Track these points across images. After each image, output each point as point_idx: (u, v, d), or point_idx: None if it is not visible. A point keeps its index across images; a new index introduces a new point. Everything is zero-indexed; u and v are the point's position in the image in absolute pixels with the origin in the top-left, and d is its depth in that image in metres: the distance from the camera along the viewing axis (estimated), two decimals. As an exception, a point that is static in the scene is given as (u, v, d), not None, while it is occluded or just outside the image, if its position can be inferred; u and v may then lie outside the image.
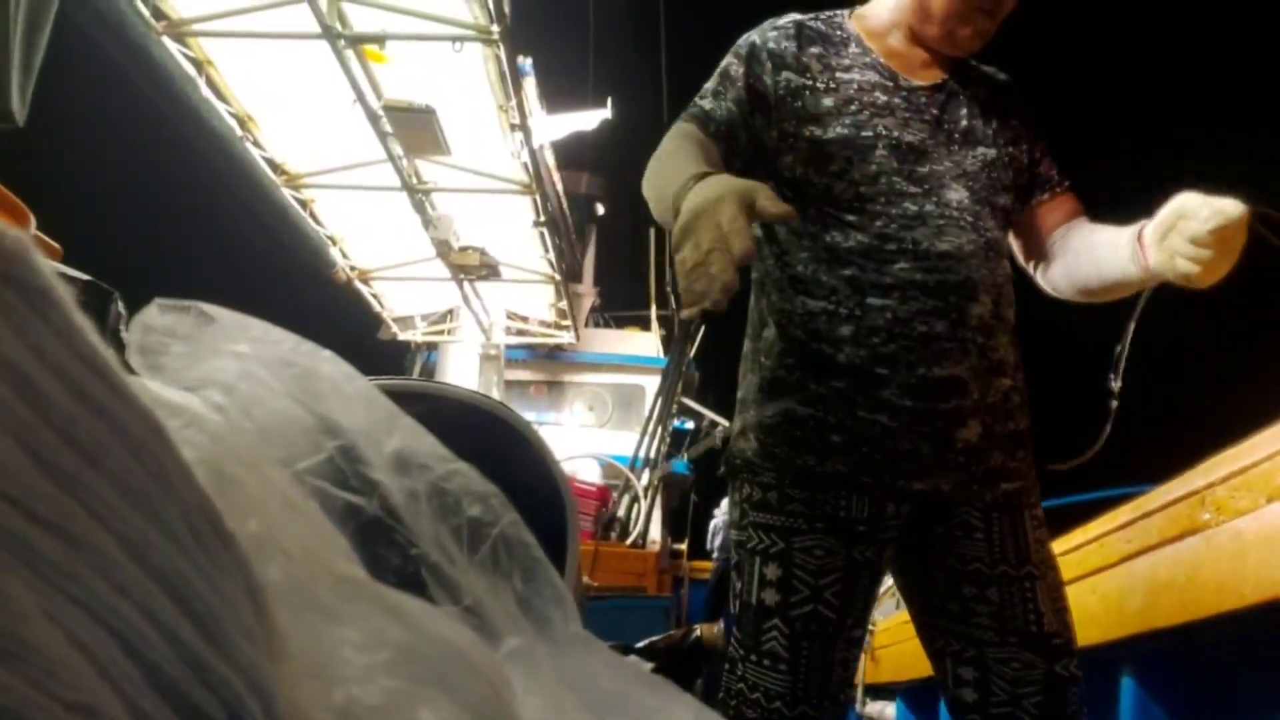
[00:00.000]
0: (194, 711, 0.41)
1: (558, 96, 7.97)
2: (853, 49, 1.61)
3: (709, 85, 1.61)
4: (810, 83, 1.57)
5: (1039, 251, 1.67)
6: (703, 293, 1.20)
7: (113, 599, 0.39)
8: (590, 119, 8.84)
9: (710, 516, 11.27)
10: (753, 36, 1.62)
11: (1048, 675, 1.49)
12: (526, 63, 6.04)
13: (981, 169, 1.57)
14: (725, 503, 11.21)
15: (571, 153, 9.96)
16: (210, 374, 0.76)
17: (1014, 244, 1.69)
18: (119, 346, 0.71)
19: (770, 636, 1.52)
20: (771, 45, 1.59)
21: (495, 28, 5.11)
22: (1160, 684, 1.79)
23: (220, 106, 5.83)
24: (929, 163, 1.55)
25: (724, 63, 1.62)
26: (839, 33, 1.63)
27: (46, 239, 1.91)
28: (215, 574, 0.45)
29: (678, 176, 1.34)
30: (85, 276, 2.03)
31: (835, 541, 1.52)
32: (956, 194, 1.54)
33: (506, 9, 5.04)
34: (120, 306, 2.13)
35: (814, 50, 1.60)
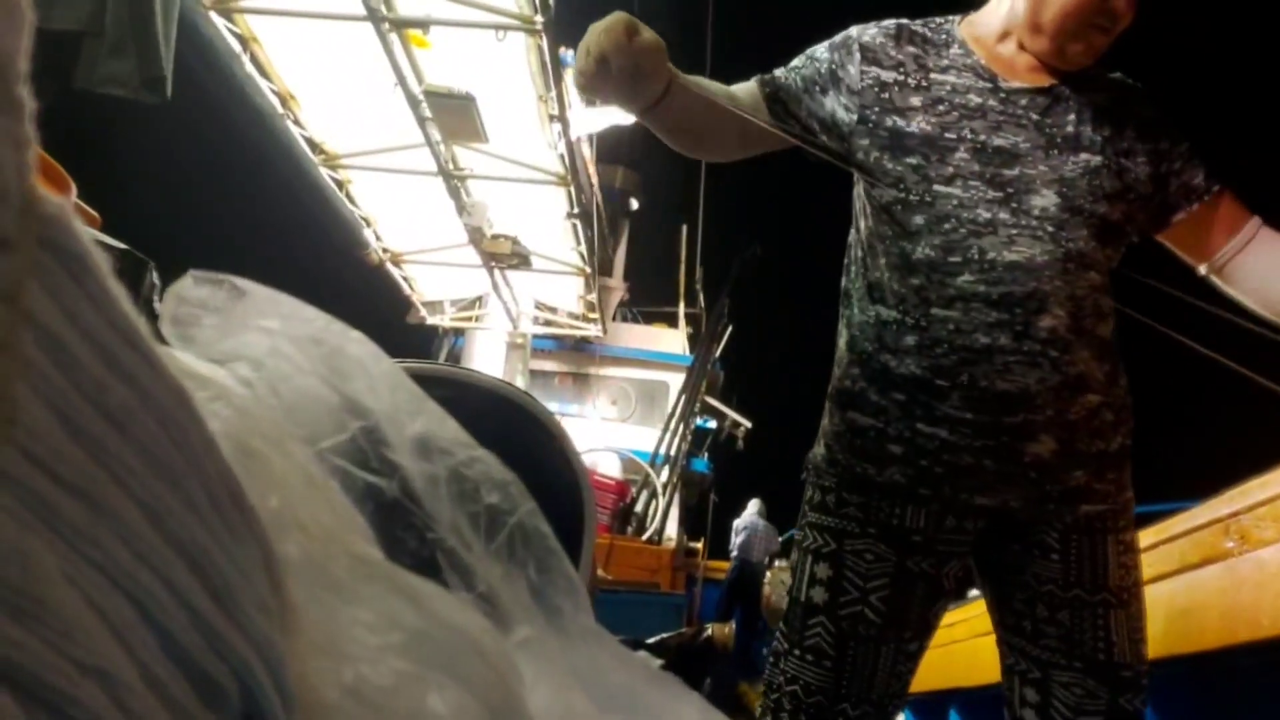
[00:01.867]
0: (205, 679, 0.42)
1: (597, 89, 7.96)
2: (954, 50, 1.58)
3: (796, 60, 1.65)
4: (901, 79, 1.55)
5: (1213, 262, 1.58)
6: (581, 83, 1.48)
7: (132, 565, 0.39)
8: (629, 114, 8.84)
9: (733, 516, 11.26)
10: (853, 29, 1.62)
11: (1110, 707, 1.45)
12: (568, 54, 6.04)
13: (1081, 175, 1.50)
14: (752, 505, 11.22)
15: (608, 147, 9.99)
16: (240, 348, 0.77)
17: (1182, 254, 1.62)
18: (152, 316, 0.72)
19: (815, 633, 1.53)
20: (867, 39, 1.59)
21: (539, 18, 5.11)
22: (1177, 710, 1.77)
23: (263, 83, 5.87)
24: (1019, 166, 1.50)
25: (817, 47, 1.64)
26: (943, 36, 1.61)
27: (86, 207, 1.94)
28: (233, 546, 0.45)
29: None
30: (122, 245, 2.05)
31: (887, 549, 1.51)
32: (1043, 200, 1.49)
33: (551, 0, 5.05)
34: (155, 276, 2.15)
35: (911, 50, 1.58)
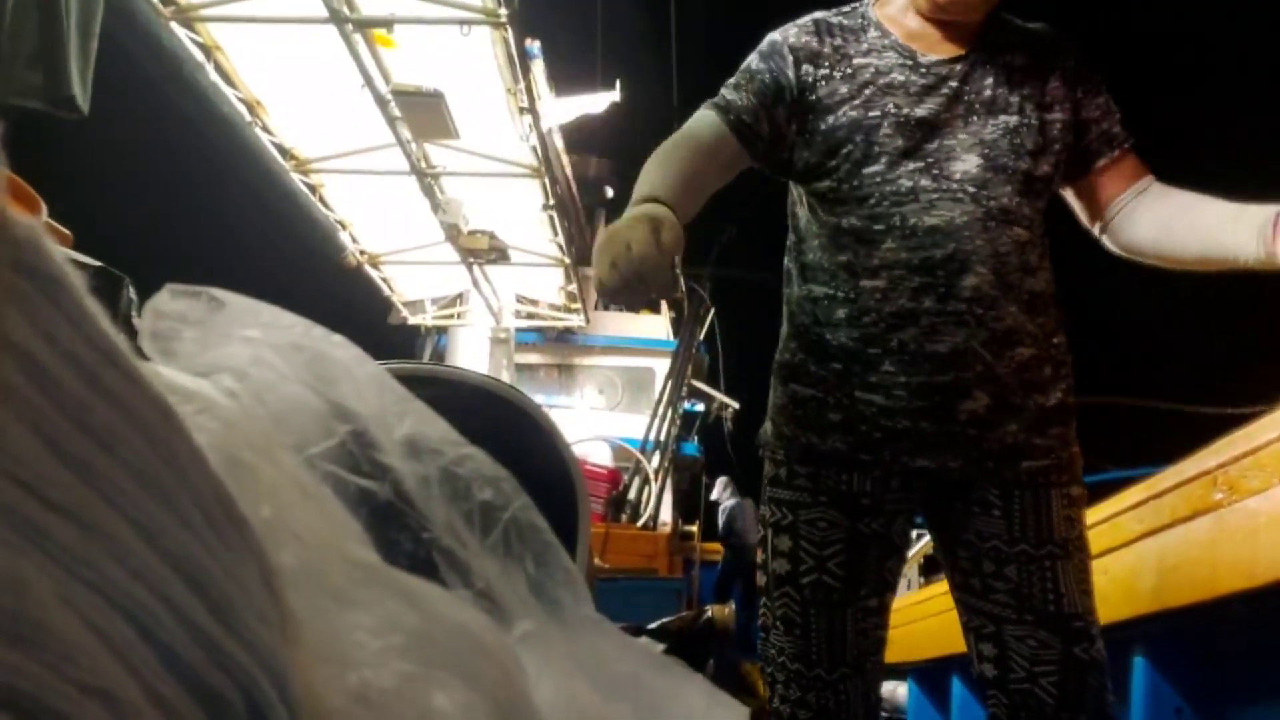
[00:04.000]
0: (209, 694, 0.42)
1: (566, 80, 7.95)
2: (871, 34, 1.62)
3: (732, 79, 1.64)
4: (828, 72, 1.59)
5: (1104, 213, 1.63)
6: (612, 287, 1.32)
7: (128, 584, 0.39)
8: (599, 102, 8.82)
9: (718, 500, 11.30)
10: (774, 35, 1.65)
11: (1065, 656, 1.49)
12: (535, 46, 6.02)
13: (1002, 135, 1.54)
14: (720, 483, 11.26)
15: (580, 136, 9.95)
16: (222, 360, 0.76)
17: (1075, 205, 1.67)
18: (131, 332, 0.71)
19: (782, 603, 1.59)
20: (793, 40, 1.62)
21: (503, 11, 5.08)
22: (1172, 663, 1.79)
23: (229, 92, 5.82)
24: (939, 137, 1.54)
25: (747, 60, 1.65)
26: (859, 21, 1.64)
27: (57, 226, 1.92)
28: (229, 559, 0.45)
29: (641, 187, 1.46)
30: (96, 263, 2.04)
31: (838, 514, 1.56)
32: (964, 165, 1.53)
33: (514, -8, 5.03)
34: (131, 292, 2.14)
35: (834, 42, 1.61)
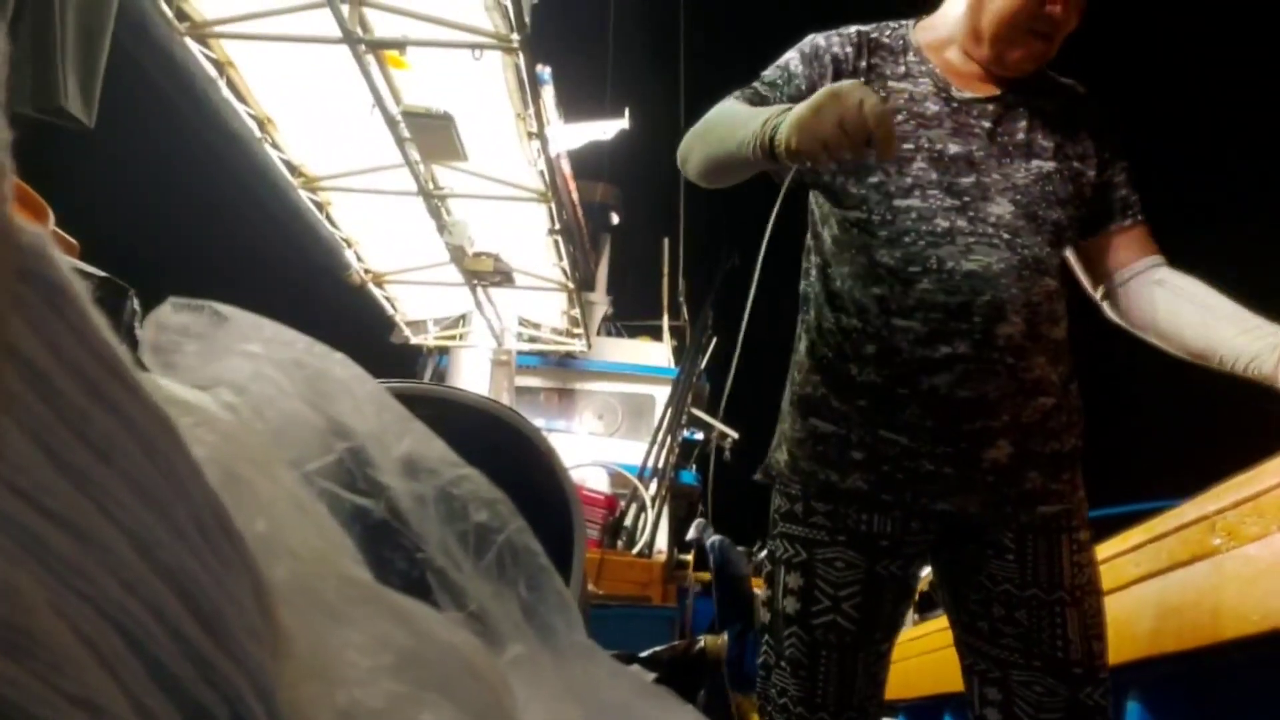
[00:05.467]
0: (197, 708, 0.41)
1: (575, 106, 7.99)
2: (910, 58, 1.60)
3: (768, 74, 1.61)
4: None
5: (1109, 281, 1.61)
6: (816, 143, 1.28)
7: (120, 595, 0.39)
8: (607, 129, 8.86)
9: (722, 528, 11.25)
10: (817, 39, 1.62)
11: (1070, 703, 1.47)
12: (545, 71, 6.06)
13: (1034, 182, 1.53)
14: (698, 525, 11.23)
15: (588, 162, 10.00)
16: (223, 373, 0.77)
17: (1077, 266, 1.65)
18: (133, 344, 0.72)
19: (791, 644, 1.55)
20: (835, 50, 1.59)
21: (515, 36, 5.12)
22: (1166, 708, 1.77)
23: (240, 108, 5.85)
24: (975, 174, 1.52)
25: (785, 57, 1.62)
26: (899, 42, 1.62)
27: (64, 235, 1.93)
28: (222, 573, 0.45)
29: (752, 117, 1.40)
30: (101, 273, 2.04)
31: (857, 555, 1.53)
32: (999, 208, 1.50)
33: (527, 18, 5.06)
34: (135, 304, 2.14)
35: (872, 60, 1.59)
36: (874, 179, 1.53)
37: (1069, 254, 1.65)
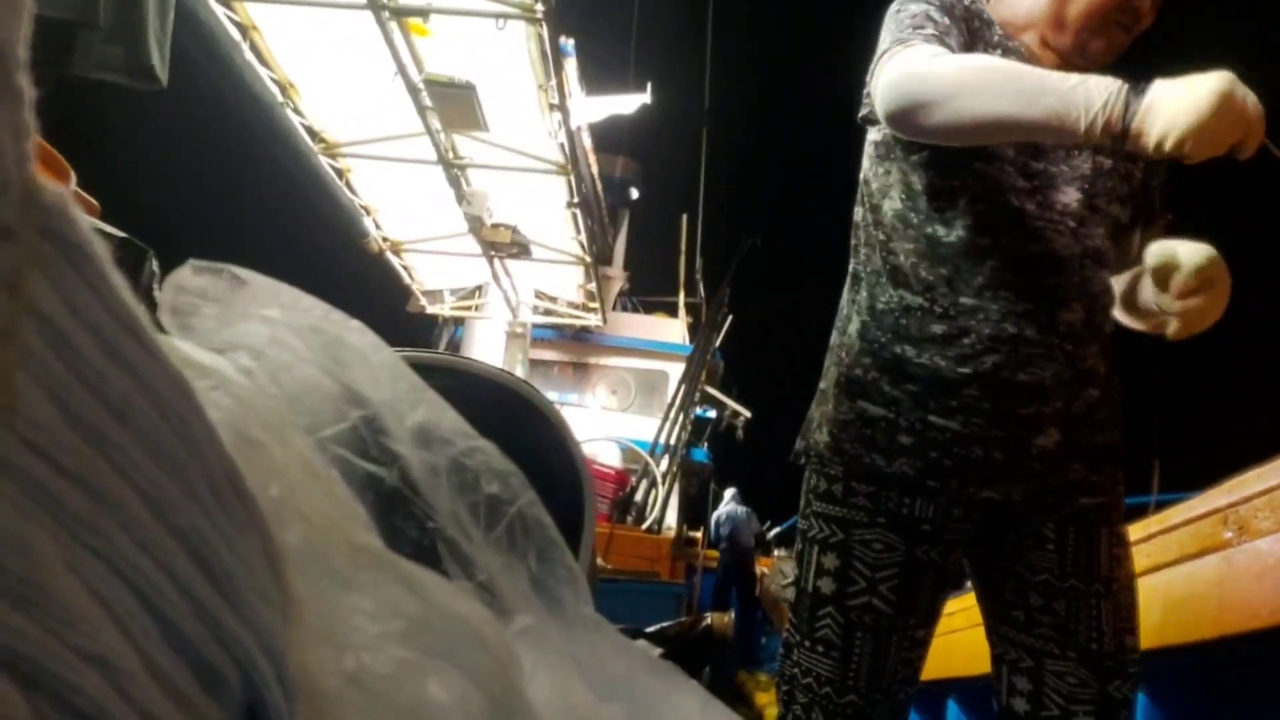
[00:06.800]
0: (207, 668, 0.42)
1: (598, 79, 7.95)
2: (997, 31, 1.58)
3: (919, 27, 1.47)
4: (969, 45, 1.53)
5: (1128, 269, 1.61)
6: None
7: (133, 554, 0.39)
8: (629, 103, 8.82)
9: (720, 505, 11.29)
10: None
11: (1101, 696, 1.47)
12: (569, 44, 6.03)
13: (1099, 176, 1.53)
14: (729, 494, 11.25)
15: (608, 136, 9.97)
16: (240, 337, 0.77)
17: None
18: (151, 305, 0.72)
19: (824, 624, 1.54)
20: (957, 7, 1.54)
21: (540, 6, 5.09)
22: (1173, 700, 1.77)
23: (263, 72, 5.85)
24: (1045, 161, 1.51)
25: (915, 9, 1.50)
26: (985, 15, 1.60)
27: (85, 195, 1.93)
28: (234, 535, 0.46)
29: (1070, 81, 1.28)
30: (122, 234, 2.05)
31: (896, 538, 1.52)
32: (1065, 197, 1.50)
33: (551, -12, 5.04)
34: (155, 265, 2.15)
35: (973, 25, 1.56)
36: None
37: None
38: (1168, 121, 1.21)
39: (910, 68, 1.40)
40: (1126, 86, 1.25)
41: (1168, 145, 1.21)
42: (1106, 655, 1.48)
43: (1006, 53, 1.55)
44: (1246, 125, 1.22)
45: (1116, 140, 1.25)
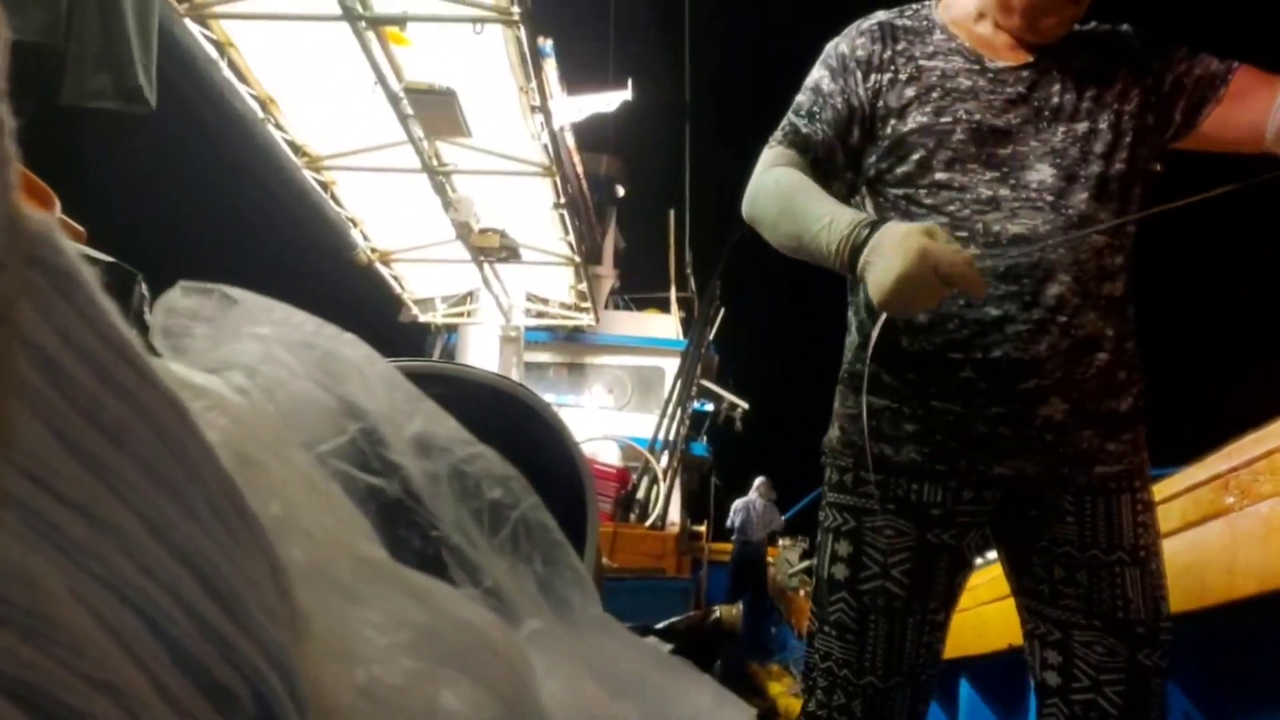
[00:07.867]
0: (218, 689, 0.42)
1: (578, 78, 7.95)
2: (937, 36, 1.60)
3: (803, 101, 1.62)
4: (893, 75, 1.57)
5: (1263, 129, 1.49)
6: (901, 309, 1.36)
7: (138, 579, 0.39)
8: (610, 100, 8.81)
9: (735, 498, 11.30)
10: (841, 46, 1.62)
11: (1130, 664, 1.47)
12: (547, 44, 6.02)
13: (1072, 144, 1.53)
14: (757, 483, 11.27)
15: (592, 135, 9.96)
16: (233, 356, 0.77)
17: (1228, 145, 1.57)
18: (142, 328, 0.72)
19: (837, 608, 1.58)
20: (860, 53, 1.60)
21: (516, 9, 5.09)
22: (1180, 667, 1.78)
23: (242, 89, 5.84)
24: (1012, 144, 1.53)
25: (814, 76, 1.62)
26: (923, 23, 1.62)
27: (70, 221, 1.93)
28: (238, 554, 0.45)
29: (826, 218, 1.43)
30: (109, 259, 2.04)
31: (906, 524, 1.55)
32: (1038, 174, 1.51)
33: (527, -10, 5.04)
34: (144, 289, 2.14)
35: (899, 46, 1.60)
36: (915, 156, 1.54)
37: (1219, 146, 1.58)
38: (874, 285, 1.34)
39: (755, 181, 1.59)
40: (855, 232, 1.39)
41: (876, 309, 1.37)
42: (1135, 623, 1.48)
43: (948, 56, 1.57)
44: (937, 292, 1.32)
45: (855, 276, 1.40)
